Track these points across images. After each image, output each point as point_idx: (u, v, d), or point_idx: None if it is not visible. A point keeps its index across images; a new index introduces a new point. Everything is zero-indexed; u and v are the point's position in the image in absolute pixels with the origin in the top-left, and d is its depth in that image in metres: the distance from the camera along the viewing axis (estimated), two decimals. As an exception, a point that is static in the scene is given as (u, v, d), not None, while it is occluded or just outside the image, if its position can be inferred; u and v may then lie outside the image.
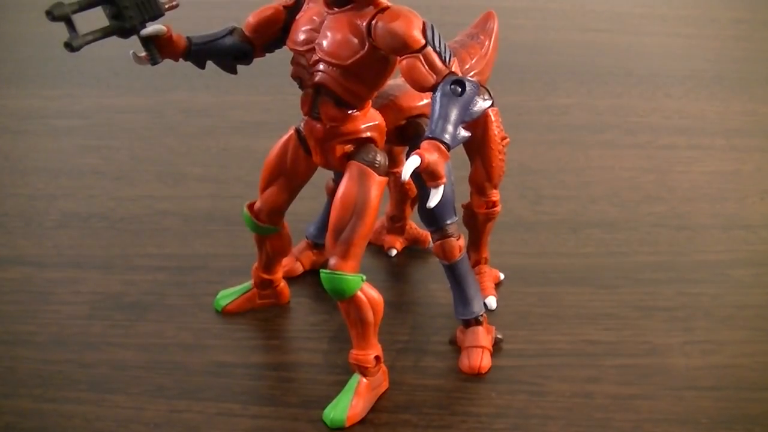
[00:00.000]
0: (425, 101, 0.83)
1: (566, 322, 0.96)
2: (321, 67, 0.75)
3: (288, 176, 0.86)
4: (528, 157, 1.31)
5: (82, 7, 0.74)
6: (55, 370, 0.89)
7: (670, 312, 0.98)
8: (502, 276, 1.02)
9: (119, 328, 0.94)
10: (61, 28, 0.73)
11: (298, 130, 0.84)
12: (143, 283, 1.02)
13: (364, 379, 0.83)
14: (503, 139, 0.88)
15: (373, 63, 0.74)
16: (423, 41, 0.71)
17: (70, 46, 0.74)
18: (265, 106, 1.45)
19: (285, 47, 0.80)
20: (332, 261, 0.77)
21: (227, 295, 0.97)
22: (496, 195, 0.92)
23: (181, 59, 0.82)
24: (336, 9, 0.75)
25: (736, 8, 2.23)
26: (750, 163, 1.33)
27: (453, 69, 0.72)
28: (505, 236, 1.07)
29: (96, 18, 0.77)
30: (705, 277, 1.04)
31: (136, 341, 0.93)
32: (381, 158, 0.78)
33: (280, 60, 0.85)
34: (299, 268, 1.02)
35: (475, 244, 0.97)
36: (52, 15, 0.72)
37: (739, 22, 2.09)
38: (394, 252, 1.06)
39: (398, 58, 0.73)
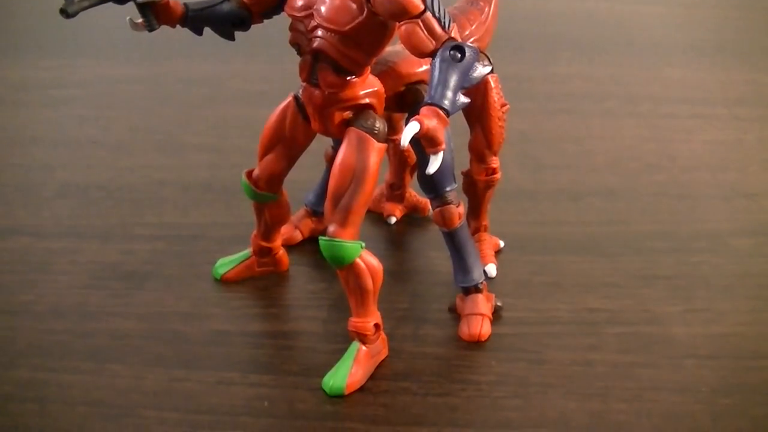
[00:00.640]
0: (424, 68, 0.82)
1: (566, 291, 0.96)
2: (319, 33, 0.74)
3: (286, 143, 0.85)
4: (528, 126, 1.31)
5: None
6: (53, 340, 0.89)
7: (671, 281, 0.98)
8: (502, 244, 1.02)
9: (118, 298, 0.94)
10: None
11: (296, 97, 0.83)
12: (142, 252, 1.01)
13: (364, 347, 0.83)
14: (503, 105, 0.88)
15: (371, 29, 0.73)
16: (422, 6, 0.70)
17: (65, 13, 0.73)
18: (264, 75, 1.45)
19: (283, 13, 0.79)
20: (331, 228, 0.77)
21: (226, 263, 0.97)
22: (495, 162, 0.92)
23: (178, 26, 0.81)
24: (335, -26, 0.74)
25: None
26: (751, 133, 1.32)
27: (452, 35, 0.72)
28: (505, 205, 1.07)
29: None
30: (705, 246, 1.04)
31: (134, 311, 0.92)
32: (380, 125, 0.77)
33: (278, 28, 0.84)
34: (298, 236, 1.02)
35: (475, 211, 0.97)
36: None
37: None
38: (393, 220, 1.06)
39: (397, 23, 0.72)
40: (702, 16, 1.87)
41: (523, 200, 1.12)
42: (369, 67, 0.78)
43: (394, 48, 0.81)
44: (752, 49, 1.68)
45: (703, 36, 1.73)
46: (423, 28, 0.71)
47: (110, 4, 0.78)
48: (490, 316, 0.90)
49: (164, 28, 0.81)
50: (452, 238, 0.87)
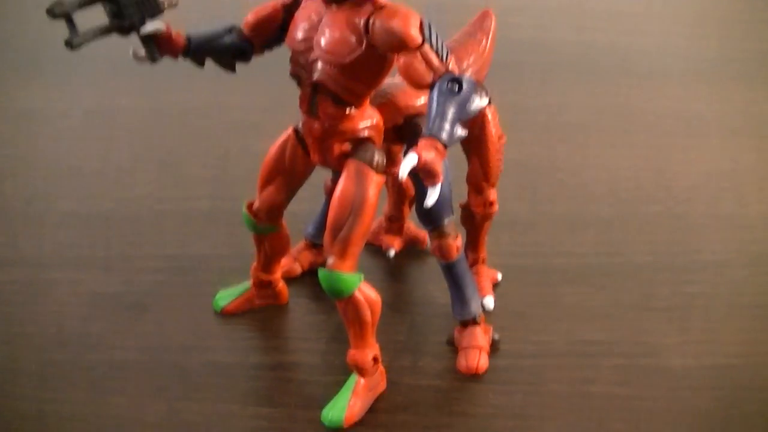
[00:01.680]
0: (423, 100, 0.83)
1: (563, 322, 0.96)
2: (319, 65, 0.75)
3: (286, 175, 0.86)
4: (525, 156, 1.31)
5: (82, 5, 0.75)
6: (54, 371, 0.89)
7: (667, 312, 0.98)
8: (499, 276, 1.02)
9: (119, 329, 0.95)
10: (60, 25, 0.73)
11: (296, 130, 0.84)
12: (143, 283, 1.02)
13: (362, 379, 0.83)
14: (500, 137, 0.89)
15: (370, 61, 0.74)
16: (420, 39, 0.71)
17: (70, 44, 0.74)
18: (265, 106, 1.45)
19: (283, 45, 0.81)
20: (330, 260, 0.77)
21: (226, 296, 0.97)
22: (493, 194, 0.92)
23: (180, 57, 0.82)
24: (334, 6, 0.75)
25: (734, 7, 2.23)
26: (747, 162, 1.33)
27: (450, 67, 0.72)
28: (502, 235, 1.07)
29: (96, 16, 0.77)
30: (702, 277, 1.04)
31: (135, 342, 0.93)
32: (379, 157, 0.78)
33: (278, 59, 0.85)
34: (298, 269, 1.02)
35: (473, 243, 0.98)
36: (52, 13, 0.73)
37: (737, 21, 2.09)
38: (392, 252, 1.06)
39: (396, 56, 0.73)
40: (698, 45, 1.88)
41: (520, 231, 1.12)
42: (368, 99, 0.79)
43: (393, 80, 0.82)
44: (748, 78, 1.69)
45: (700, 65, 1.74)
46: (421, 60, 0.72)
47: (113, 35, 0.79)
48: (488, 348, 0.90)
49: (166, 59, 0.81)
50: (450, 271, 0.88)
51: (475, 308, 0.90)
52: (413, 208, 0.96)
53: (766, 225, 1.16)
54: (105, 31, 0.77)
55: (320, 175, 0.90)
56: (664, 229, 1.14)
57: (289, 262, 1.02)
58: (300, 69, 0.77)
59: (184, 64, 0.83)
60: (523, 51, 1.75)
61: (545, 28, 1.95)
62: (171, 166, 1.28)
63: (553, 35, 1.89)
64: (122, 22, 0.77)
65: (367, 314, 0.80)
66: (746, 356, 0.92)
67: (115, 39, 0.79)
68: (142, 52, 0.80)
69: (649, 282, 1.03)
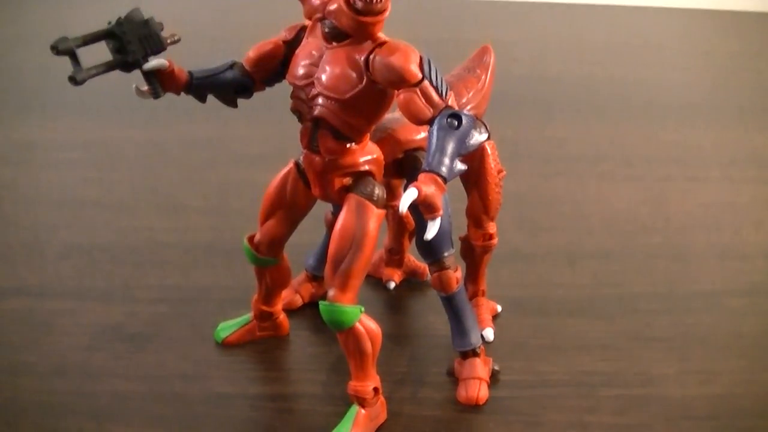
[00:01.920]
0: (423, 134, 0.84)
1: (563, 353, 0.96)
2: (320, 100, 0.76)
3: (287, 209, 0.86)
4: (525, 189, 1.32)
5: (86, 42, 0.76)
6: (56, 401, 0.89)
7: (666, 342, 0.99)
8: (499, 308, 1.03)
9: (120, 359, 0.95)
10: (63, 60, 0.74)
11: (297, 164, 0.85)
12: (144, 314, 1.02)
13: (363, 410, 0.83)
14: (500, 171, 0.90)
15: (371, 96, 0.75)
16: (420, 75, 0.72)
17: (74, 80, 0.75)
18: (265, 138, 1.46)
19: (285, 81, 0.81)
20: (331, 292, 0.78)
21: (227, 327, 0.97)
22: (493, 227, 0.93)
23: (182, 93, 0.83)
24: (334, 43, 0.76)
25: (731, 40, 2.25)
26: (745, 194, 1.34)
27: (449, 103, 0.73)
28: (502, 268, 1.08)
29: (99, 52, 0.78)
30: (700, 307, 1.05)
31: (136, 372, 0.93)
32: (379, 191, 0.79)
33: (279, 92, 0.86)
34: (298, 300, 1.03)
35: (473, 276, 0.98)
36: (56, 49, 0.74)
37: (734, 54, 2.11)
38: (392, 284, 1.07)
39: (396, 91, 0.74)
40: (696, 79, 1.89)
41: (520, 262, 1.13)
42: (368, 134, 0.79)
43: (393, 115, 0.83)
44: (745, 110, 1.70)
45: (697, 98, 1.76)
46: (421, 96, 0.72)
47: (117, 70, 0.80)
48: (488, 379, 0.90)
49: (168, 94, 0.82)
50: (450, 303, 0.88)
51: (474, 339, 0.90)
52: (413, 240, 0.97)
53: (764, 255, 1.17)
54: (109, 67, 0.78)
55: (321, 208, 0.91)
56: (662, 260, 1.15)
57: (290, 294, 1.02)
58: (301, 104, 0.78)
59: (184, 97, 0.84)
60: (522, 85, 1.77)
61: (544, 62, 1.96)
62: (172, 198, 1.29)
63: (552, 69, 1.91)
64: (126, 58, 0.78)
65: (368, 346, 0.80)
66: (745, 385, 0.92)
67: (116, 73, 0.80)
68: (145, 87, 0.81)
69: (648, 312, 1.04)
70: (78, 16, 2.26)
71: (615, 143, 1.52)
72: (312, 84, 0.76)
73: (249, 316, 0.97)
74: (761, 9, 2.53)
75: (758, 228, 1.24)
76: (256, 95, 0.86)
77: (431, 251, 0.85)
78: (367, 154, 0.80)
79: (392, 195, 0.86)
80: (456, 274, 0.86)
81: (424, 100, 0.72)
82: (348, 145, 0.78)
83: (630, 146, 1.51)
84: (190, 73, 0.82)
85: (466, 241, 0.95)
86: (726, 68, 2.00)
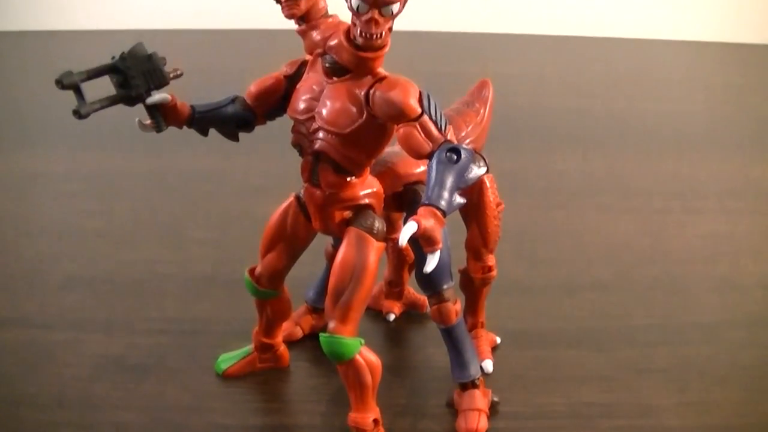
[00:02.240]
0: (422, 168, 0.84)
1: (562, 384, 0.97)
2: (320, 135, 0.77)
3: (288, 242, 0.87)
4: (524, 221, 1.33)
5: (91, 76, 0.77)
6: (56, 432, 0.89)
7: (665, 373, 0.99)
8: (498, 340, 1.03)
9: (121, 390, 0.95)
10: (65, 92, 0.75)
11: (298, 197, 0.85)
12: (145, 345, 1.02)
13: (363, 442, 0.84)
14: (498, 205, 0.90)
15: (371, 131, 0.76)
16: (419, 110, 0.73)
17: (78, 114, 0.76)
18: (266, 171, 1.47)
19: (285, 115, 0.82)
20: (331, 325, 0.78)
21: (228, 359, 0.98)
22: (492, 260, 0.93)
23: (184, 126, 0.84)
24: (335, 78, 0.77)
25: (728, 72, 2.26)
26: (742, 225, 1.35)
27: (448, 137, 0.74)
28: (501, 300, 1.08)
29: (102, 86, 0.79)
30: (698, 339, 1.05)
31: (137, 403, 0.93)
32: (379, 224, 0.80)
33: (279, 125, 0.87)
34: (299, 332, 1.03)
35: (472, 308, 0.99)
36: (61, 83, 0.75)
37: (731, 86, 2.13)
38: (392, 316, 1.07)
39: (395, 126, 0.75)
40: (692, 112, 1.90)
41: (519, 294, 1.14)
42: (368, 168, 0.80)
43: (393, 149, 0.84)
44: (742, 142, 1.71)
45: (695, 130, 1.77)
46: (420, 130, 0.73)
47: (120, 104, 0.80)
48: (487, 411, 0.90)
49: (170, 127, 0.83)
50: (449, 335, 0.88)
51: (474, 371, 0.90)
52: (413, 273, 0.97)
53: (762, 286, 1.17)
54: (112, 101, 0.79)
55: (321, 241, 0.92)
56: (661, 291, 1.15)
57: (290, 326, 1.02)
58: (302, 138, 0.79)
59: (185, 129, 0.85)
60: (521, 117, 1.78)
61: (543, 95, 1.98)
62: (173, 230, 1.30)
63: (550, 102, 1.92)
64: (129, 93, 0.79)
65: (368, 377, 0.81)
66: (744, 417, 0.92)
67: (118, 105, 0.81)
68: (148, 121, 0.82)
69: (647, 344, 1.04)
70: (80, 49, 2.28)
71: (613, 175, 1.53)
72: (313, 118, 0.77)
73: (250, 347, 0.98)
74: (758, 41, 2.55)
75: (756, 259, 1.24)
76: (257, 128, 0.86)
77: (431, 284, 0.85)
78: (367, 188, 0.80)
79: (392, 228, 0.87)
80: (455, 306, 0.87)
81: (423, 135, 0.73)
82: (348, 179, 0.79)
83: (628, 178, 1.52)
84: (192, 107, 0.83)
85: (465, 274, 0.95)
86: (723, 100, 2.02)
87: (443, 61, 2.26)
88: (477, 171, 0.74)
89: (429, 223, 0.70)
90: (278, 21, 0.80)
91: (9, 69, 2.17)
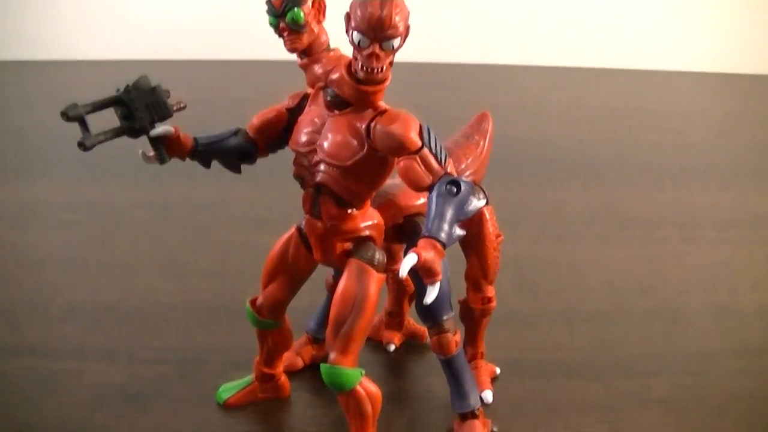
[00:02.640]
0: (422, 200, 0.85)
1: (561, 415, 0.97)
2: (322, 167, 0.78)
3: (289, 273, 0.88)
4: (524, 252, 1.33)
5: (96, 109, 0.78)
6: (58, 461, 0.90)
7: (664, 403, 0.99)
8: (498, 370, 1.03)
9: (122, 419, 0.95)
10: (67, 122, 0.76)
11: (299, 228, 0.86)
12: (146, 374, 1.02)
13: (363, 472, 0.84)
14: (498, 236, 0.91)
15: (372, 163, 0.77)
16: (419, 143, 0.74)
17: (83, 146, 0.77)
18: (267, 202, 1.48)
19: (287, 147, 0.83)
20: (332, 355, 0.79)
21: (229, 389, 0.98)
22: (491, 291, 0.94)
23: (187, 158, 0.85)
24: (336, 111, 0.78)
25: (726, 102, 2.28)
26: (741, 255, 1.35)
27: (448, 169, 0.75)
28: (501, 330, 1.08)
29: (106, 117, 0.80)
30: (698, 369, 1.06)
31: (139, 432, 0.94)
32: (379, 256, 0.80)
33: (280, 157, 0.88)
34: (299, 363, 1.03)
35: (472, 338, 0.99)
36: (66, 116, 0.76)
37: (728, 116, 2.14)
38: (392, 347, 1.07)
39: (396, 158, 0.76)
40: (690, 141, 1.92)
41: (519, 325, 1.14)
42: (369, 200, 0.81)
43: (394, 181, 0.84)
44: (740, 172, 1.72)
45: (693, 160, 1.78)
46: (420, 163, 0.74)
47: (123, 136, 0.81)
48: (487, 441, 0.91)
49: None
50: (449, 365, 0.89)
51: (473, 402, 0.90)
52: (413, 304, 0.98)
53: (761, 316, 1.18)
54: (117, 133, 0.80)
55: (322, 271, 0.92)
56: (660, 321, 1.16)
57: (291, 356, 1.03)
58: (303, 171, 0.80)
59: (187, 160, 0.86)
60: (520, 148, 1.79)
61: (542, 126, 1.99)
62: (175, 260, 1.30)
63: (549, 133, 1.93)
64: (133, 125, 0.80)
65: (368, 408, 0.81)
66: (743, 447, 0.93)
67: (123, 137, 0.82)
68: (151, 153, 0.82)
69: (646, 374, 1.04)
70: (82, 79, 2.30)
71: (612, 206, 1.53)
72: (314, 151, 0.78)
73: (250, 377, 0.98)
74: (755, 71, 2.57)
75: (755, 288, 1.25)
76: (259, 160, 0.87)
77: (431, 315, 0.86)
78: (367, 220, 0.81)
79: (392, 259, 0.87)
80: (455, 337, 0.87)
81: (423, 167, 0.74)
82: (349, 211, 0.80)
83: (627, 208, 1.52)
84: (195, 139, 0.84)
85: (465, 305, 0.96)
86: (721, 130, 2.03)
87: (443, 92, 2.28)
88: (476, 203, 0.75)
89: (429, 255, 0.70)
90: (281, 52, 0.81)
91: (11, 98, 2.18)
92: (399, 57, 0.74)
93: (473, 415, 0.90)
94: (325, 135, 0.78)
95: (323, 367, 0.79)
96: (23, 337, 1.10)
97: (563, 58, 2.57)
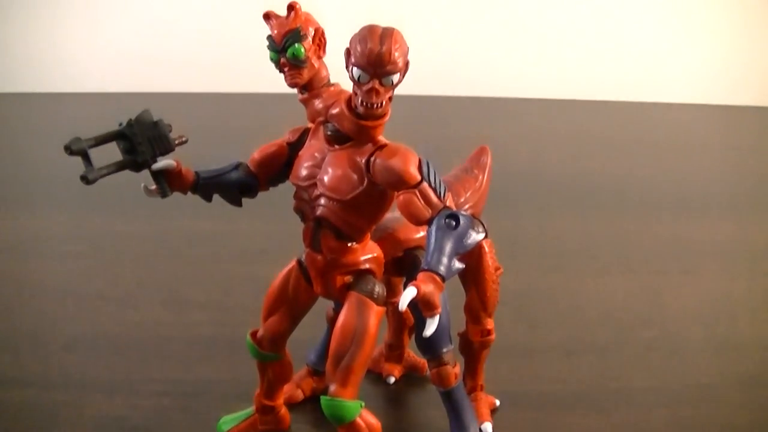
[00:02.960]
0: (422, 233, 0.86)
1: (561, 447, 0.97)
2: (322, 201, 0.78)
3: (290, 306, 0.88)
4: (523, 284, 1.34)
5: (99, 143, 0.78)
6: (58, 494, 0.90)
7: (664, 436, 0.99)
8: (497, 402, 1.03)
9: (123, 452, 0.95)
10: (71, 155, 0.76)
11: (299, 261, 0.87)
12: (147, 407, 1.03)
13: (363, 505, 0.84)
14: (497, 269, 0.91)
15: (371, 197, 0.77)
16: (419, 177, 0.74)
17: (86, 179, 0.77)
18: (267, 234, 1.48)
19: (288, 181, 0.84)
20: (332, 387, 0.79)
21: (229, 421, 0.98)
22: (490, 323, 0.94)
23: (189, 192, 0.85)
24: (336, 146, 0.78)
25: (726, 135, 2.29)
26: (740, 286, 1.36)
27: (447, 203, 0.75)
28: (500, 362, 1.08)
29: (108, 150, 0.81)
30: (697, 400, 1.06)
31: (139, 465, 0.94)
32: (379, 289, 0.81)
33: (281, 190, 0.88)
34: (300, 395, 1.03)
35: (471, 371, 0.99)
36: (70, 150, 0.76)
37: (728, 149, 2.15)
38: (392, 379, 1.08)
39: (396, 192, 0.76)
40: (689, 174, 1.92)
41: (518, 357, 1.14)
42: (369, 234, 0.82)
43: (393, 215, 0.84)
44: (739, 203, 1.73)
45: (692, 191, 1.79)
46: (420, 197, 0.74)
47: (126, 169, 0.82)
48: (487, 473, 0.91)
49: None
50: (449, 398, 0.89)
51: (473, 434, 0.91)
52: (413, 336, 0.98)
53: (760, 347, 1.18)
54: (119, 167, 0.81)
55: (323, 304, 0.92)
56: (659, 352, 1.16)
57: (292, 388, 1.03)
58: (304, 204, 0.81)
59: (189, 194, 0.86)
60: (519, 182, 1.79)
61: (541, 158, 2.00)
62: (175, 292, 1.30)
63: (548, 165, 1.94)
64: (136, 159, 0.81)
65: (368, 440, 0.81)
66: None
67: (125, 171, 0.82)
68: (153, 186, 0.83)
69: (646, 406, 1.04)
70: (83, 111, 2.31)
71: (611, 237, 1.54)
72: (315, 185, 0.79)
73: (251, 409, 0.98)
74: (754, 103, 2.58)
75: (754, 320, 1.25)
76: (260, 193, 0.88)
77: (430, 347, 0.86)
78: (367, 253, 0.82)
79: (392, 292, 0.88)
80: (454, 369, 0.87)
81: (423, 201, 0.74)
82: (349, 245, 0.80)
83: (626, 240, 1.53)
84: (196, 173, 0.84)
85: (464, 337, 0.96)
86: (720, 162, 2.04)
87: (442, 124, 2.29)
88: (476, 236, 0.75)
89: (428, 288, 0.71)
90: (281, 85, 0.82)
91: (13, 130, 2.19)
92: (398, 90, 0.75)
93: (473, 447, 0.90)
94: (326, 169, 0.78)
95: (323, 399, 0.79)
96: (24, 368, 1.10)
97: (562, 91, 2.58)
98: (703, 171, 1.96)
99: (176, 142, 0.83)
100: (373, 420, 0.81)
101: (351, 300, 0.80)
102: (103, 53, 2.53)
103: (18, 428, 0.99)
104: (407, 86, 0.80)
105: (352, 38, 0.73)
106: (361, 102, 0.74)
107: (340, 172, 0.77)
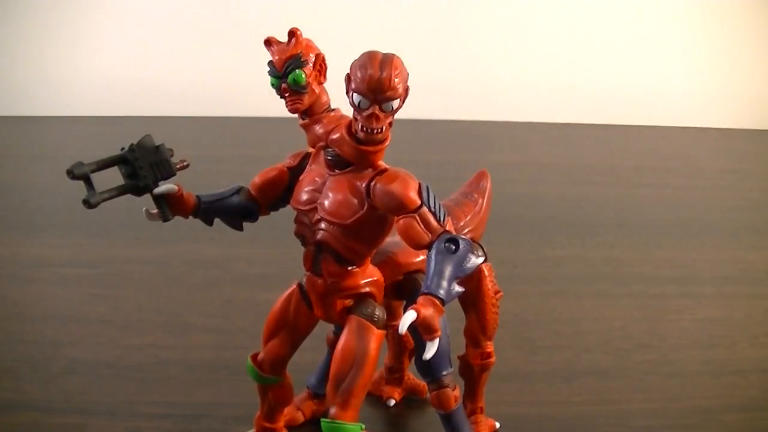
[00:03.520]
0: (421, 258, 0.86)
1: (561, 471, 0.97)
2: (323, 225, 0.79)
3: (290, 329, 0.88)
4: (523, 309, 1.34)
5: (101, 167, 0.79)
6: None
7: (663, 459, 1.00)
8: (497, 425, 1.03)
9: (124, 476, 0.96)
10: (73, 180, 0.77)
11: (300, 285, 0.87)
12: (148, 430, 1.03)
13: None
14: (497, 293, 0.92)
15: (372, 222, 0.78)
16: (419, 202, 0.75)
17: (88, 203, 0.78)
18: (268, 259, 1.49)
19: (289, 206, 0.84)
20: (332, 410, 0.79)
21: (230, 443, 0.98)
22: (490, 347, 0.95)
23: (190, 216, 0.86)
24: (337, 171, 0.79)
25: (723, 159, 2.30)
26: (739, 310, 1.36)
27: (447, 227, 0.76)
28: (500, 386, 1.09)
29: (110, 174, 0.82)
30: (697, 423, 1.06)
31: (140, 489, 0.94)
32: (379, 312, 0.81)
33: (282, 215, 0.89)
34: (300, 418, 1.03)
35: (471, 394, 0.99)
36: (72, 174, 0.77)
37: (726, 173, 2.15)
38: (392, 402, 1.08)
39: (396, 217, 0.77)
40: (689, 198, 1.93)
41: (518, 381, 1.14)
42: (369, 258, 0.82)
43: (393, 239, 0.85)
44: (738, 228, 1.73)
45: (691, 216, 1.79)
46: (420, 222, 0.75)
47: (127, 194, 0.83)
48: (486, 497, 0.91)
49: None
50: (449, 420, 0.89)
51: (473, 457, 0.91)
52: (413, 359, 0.98)
53: (759, 370, 1.18)
54: (121, 191, 0.81)
55: (323, 327, 0.93)
56: (658, 376, 1.16)
57: (292, 411, 1.02)
58: (304, 229, 0.81)
59: (190, 218, 0.87)
60: (519, 206, 1.80)
61: (541, 183, 2.00)
62: (176, 316, 1.31)
63: (548, 190, 1.94)
64: (137, 183, 0.82)
65: (368, 463, 0.81)
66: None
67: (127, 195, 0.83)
68: (154, 210, 0.84)
69: (646, 429, 1.05)
70: (84, 135, 2.32)
71: (611, 262, 1.54)
72: (315, 209, 0.80)
73: (252, 432, 0.99)
74: (752, 126, 2.59)
75: (753, 343, 1.25)
76: (261, 218, 0.88)
77: (430, 370, 0.87)
78: (368, 277, 0.82)
79: (392, 315, 0.88)
80: (454, 392, 0.88)
81: (422, 226, 0.75)
82: (350, 269, 0.81)
83: (625, 265, 1.53)
84: (198, 197, 0.85)
85: (464, 360, 0.96)
86: (718, 186, 2.04)
87: (442, 149, 2.30)
88: (475, 260, 0.76)
89: (428, 311, 0.71)
90: (282, 109, 0.82)
91: (14, 154, 2.20)
92: (398, 114, 0.76)
93: (473, 470, 0.90)
94: (326, 194, 0.79)
95: (324, 422, 0.79)
96: (25, 392, 1.10)
97: (561, 115, 2.59)
98: (702, 195, 1.97)
99: (177, 166, 0.84)
100: (373, 442, 0.82)
101: (351, 323, 0.81)
102: (104, 77, 2.53)
103: (19, 452, 0.99)
104: (407, 110, 0.80)
105: (352, 64, 0.74)
106: (362, 127, 0.75)
107: (340, 197, 0.78)
